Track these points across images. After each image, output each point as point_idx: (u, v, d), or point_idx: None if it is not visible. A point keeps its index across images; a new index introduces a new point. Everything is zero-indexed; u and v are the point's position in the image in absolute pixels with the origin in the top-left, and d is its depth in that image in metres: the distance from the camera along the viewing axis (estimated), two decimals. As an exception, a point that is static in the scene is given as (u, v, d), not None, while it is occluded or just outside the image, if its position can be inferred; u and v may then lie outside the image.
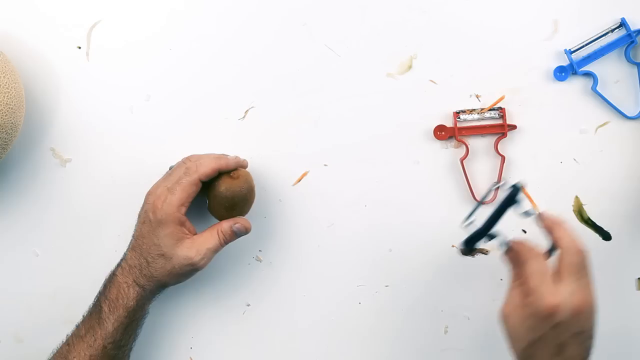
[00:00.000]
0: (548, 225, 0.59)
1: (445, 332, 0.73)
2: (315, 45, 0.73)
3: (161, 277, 0.65)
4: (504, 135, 0.72)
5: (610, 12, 0.70)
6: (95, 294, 0.74)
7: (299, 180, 0.74)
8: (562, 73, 0.71)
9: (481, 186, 0.73)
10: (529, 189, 0.72)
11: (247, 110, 0.74)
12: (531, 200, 0.72)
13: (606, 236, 0.72)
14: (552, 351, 0.55)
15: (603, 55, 0.70)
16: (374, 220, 0.73)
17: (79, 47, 0.75)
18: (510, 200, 0.61)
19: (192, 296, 0.74)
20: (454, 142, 0.73)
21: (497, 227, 0.61)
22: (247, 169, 0.69)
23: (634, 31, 0.70)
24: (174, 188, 0.64)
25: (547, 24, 0.72)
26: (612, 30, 0.70)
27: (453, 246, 0.73)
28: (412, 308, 0.73)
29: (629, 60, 0.70)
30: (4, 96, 0.66)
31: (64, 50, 0.74)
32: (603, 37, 0.70)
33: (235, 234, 0.66)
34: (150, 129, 0.74)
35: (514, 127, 0.72)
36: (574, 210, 0.72)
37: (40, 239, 0.75)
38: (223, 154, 0.69)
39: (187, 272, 0.65)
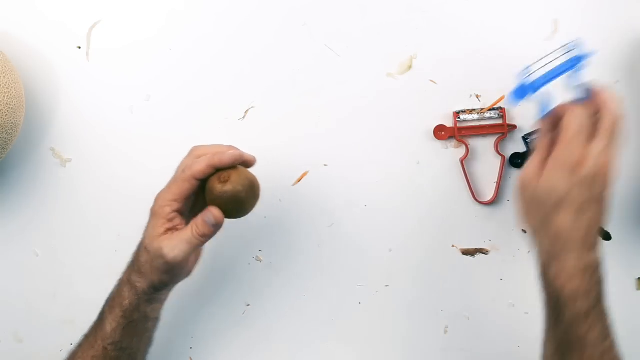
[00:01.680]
0: (595, 90, 0.58)
1: (445, 332, 0.73)
2: (315, 45, 0.73)
3: (147, 273, 0.61)
4: (504, 135, 0.72)
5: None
6: (95, 294, 0.74)
7: (299, 180, 0.74)
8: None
9: (481, 186, 0.73)
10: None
11: (247, 110, 0.74)
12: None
13: (606, 236, 0.72)
14: (573, 212, 0.54)
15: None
16: (374, 220, 0.73)
17: (79, 47, 0.75)
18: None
19: (192, 296, 0.74)
20: (454, 142, 0.73)
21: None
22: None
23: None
24: (170, 183, 0.63)
25: (547, 24, 0.72)
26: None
27: (453, 246, 0.73)
28: (412, 308, 0.73)
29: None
30: (4, 96, 0.66)
31: (64, 50, 0.75)
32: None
33: (208, 225, 0.60)
34: (150, 129, 0.74)
35: (514, 127, 0.72)
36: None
37: (40, 239, 0.75)
38: (229, 147, 0.64)
39: (163, 268, 0.61)
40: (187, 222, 0.61)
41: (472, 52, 0.72)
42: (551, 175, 0.55)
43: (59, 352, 0.76)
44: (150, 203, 0.75)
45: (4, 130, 0.67)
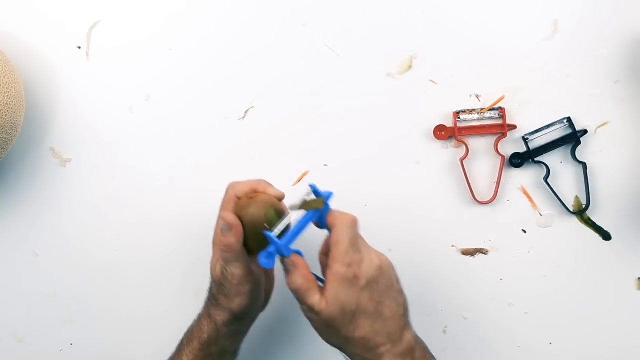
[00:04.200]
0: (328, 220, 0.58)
1: (445, 332, 0.73)
2: (315, 45, 0.73)
3: (222, 304, 0.61)
4: (504, 135, 0.72)
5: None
6: (95, 294, 0.75)
7: (299, 180, 0.74)
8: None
9: (481, 186, 0.73)
10: (529, 190, 0.72)
11: (247, 110, 0.74)
12: (531, 201, 0.72)
13: (606, 236, 0.72)
14: (370, 317, 0.55)
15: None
16: (374, 220, 0.73)
17: (79, 47, 0.75)
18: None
19: (193, 296, 0.74)
20: (454, 142, 0.73)
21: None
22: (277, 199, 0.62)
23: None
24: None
25: (547, 24, 0.72)
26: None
27: (453, 246, 0.73)
28: (412, 308, 0.73)
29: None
30: (4, 96, 0.66)
31: (64, 50, 0.75)
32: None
33: (223, 232, 0.59)
34: (150, 128, 0.74)
35: (514, 127, 0.72)
36: (574, 210, 0.72)
37: (40, 239, 0.75)
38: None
39: (225, 292, 0.60)
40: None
41: (472, 52, 0.72)
42: (335, 295, 0.54)
43: (59, 352, 0.76)
44: (150, 202, 0.75)
45: (4, 130, 0.67)
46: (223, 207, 0.60)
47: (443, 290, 0.73)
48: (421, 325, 0.73)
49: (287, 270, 0.56)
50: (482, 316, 0.73)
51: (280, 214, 0.59)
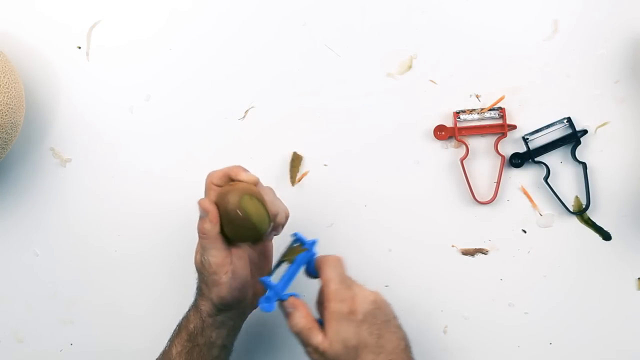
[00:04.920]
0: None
1: (445, 332, 0.73)
2: (315, 45, 0.73)
3: (205, 294, 0.61)
4: (504, 135, 0.72)
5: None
6: (95, 294, 0.74)
7: (299, 180, 0.74)
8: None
9: (481, 186, 0.73)
10: (529, 190, 0.72)
11: (247, 110, 0.74)
12: (531, 201, 0.72)
13: (606, 236, 0.72)
14: (372, 351, 0.56)
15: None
16: (374, 220, 0.73)
17: (79, 47, 0.75)
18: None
19: (192, 296, 0.74)
20: (454, 142, 0.73)
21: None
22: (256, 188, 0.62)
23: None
24: None
25: (547, 24, 0.72)
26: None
27: (453, 246, 0.73)
28: (412, 308, 0.73)
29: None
30: (4, 96, 0.66)
31: (64, 50, 0.75)
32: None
33: (200, 218, 0.60)
34: (150, 129, 0.74)
35: (514, 127, 0.72)
36: (574, 210, 0.72)
37: (40, 239, 0.75)
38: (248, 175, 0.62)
39: (207, 281, 0.60)
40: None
41: (472, 52, 0.72)
42: (335, 333, 0.55)
43: (59, 352, 0.76)
44: (150, 202, 0.75)
45: (4, 130, 0.67)
46: (206, 197, 0.62)
47: (443, 290, 0.73)
48: (421, 325, 0.73)
49: (287, 314, 0.58)
50: (482, 316, 0.73)
51: (256, 200, 0.59)
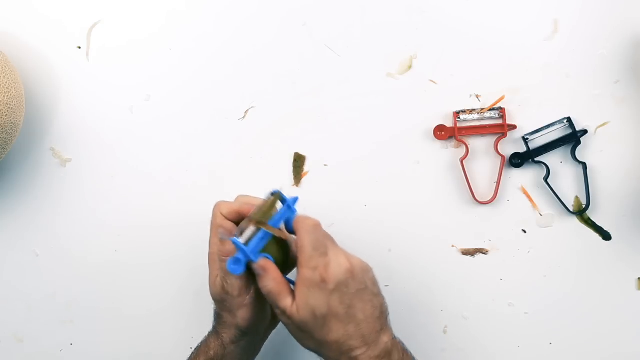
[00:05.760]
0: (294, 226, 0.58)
1: (445, 332, 0.73)
2: (315, 45, 0.73)
3: (225, 318, 0.61)
4: (504, 135, 0.72)
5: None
6: (96, 294, 0.74)
7: (299, 181, 0.74)
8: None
9: (481, 186, 0.73)
10: (529, 190, 0.72)
11: (247, 110, 0.74)
12: (531, 201, 0.72)
13: (606, 236, 0.72)
14: (342, 321, 0.55)
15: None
16: (374, 220, 0.73)
17: (79, 47, 0.75)
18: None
19: (193, 296, 0.74)
20: (454, 142, 0.73)
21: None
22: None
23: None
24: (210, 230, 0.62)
25: (547, 24, 0.72)
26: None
27: (453, 246, 0.73)
28: (412, 308, 0.73)
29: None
30: (4, 96, 0.66)
31: (64, 50, 0.75)
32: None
33: (222, 240, 0.60)
34: (150, 129, 0.74)
35: (514, 127, 0.72)
36: (574, 210, 0.72)
37: (40, 239, 0.75)
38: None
39: (227, 308, 0.60)
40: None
41: (472, 52, 0.72)
42: (304, 300, 0.54)
43: (59, 352, 0.76)
44: (150, 202, 0.75)
45: (4, 130, 0.67)
46: (212, 226, 0.60)
47: (443, 290, 0.73)
48: (421, 325, 0.73)
49: (257, 275, 0.56)
50: (482, 316, 0.73)
51: (278, 242, 0.58)
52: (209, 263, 0.61)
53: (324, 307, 0.54)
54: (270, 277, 0.56)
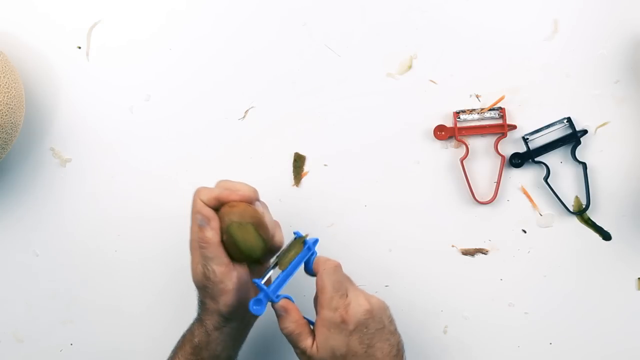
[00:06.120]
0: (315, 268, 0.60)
1: (445, 332, 0.73)
2: (315, 45, 0.73)
3: (208, 304, 0.60)
4: (504, 135, 0.72)
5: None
6: (95, 294, 0.74)
7: (299, 181, 0.74)
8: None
9: (481, 186, 0.73)
10: (529, 190, 0.72)
11: (247, 110, 0.74)
12: (531, 201, 0.72)
13: (606, 236, 0.72)
14: (363, 357, 0.56)
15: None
16: (374, 220, 0.73)
17: (79, 47, 0.75)
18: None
19: (193, 296, 0.74)
20: (454, 142, 0.73)
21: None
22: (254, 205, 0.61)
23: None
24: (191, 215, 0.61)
25: (547, 24, 0.72)
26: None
27: (453, 246, 0.73)
28: (412, 308, 0.73)
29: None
30: (4, 96, 0.66)
31: (64, 50, 0.75)
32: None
33: (200, 227, 0.59)
34: (150, 129, 0.74)
35: (514, 127, 0.72)
36: (574, 210, 0.72)
37: (40, 239, 0.75)
38: (245, 186, 0.61)
39: (209, 294, 0.59)
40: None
41: (472, 52, 0.72)
42: (324, 340, 0.56)
43: (59, 352, 0.76)
44: (150, 202, 0.75)
45: (4, 130, 0.67)
46: (192, 212, 0.60)
47: (443, 290, 0.73)
48: (421, 325, 0.73)
49: (278, 316, 0.58)
50: (482, 316, 0.73)
51: (249, 227, 0.58)
52: (190, 250, 0.61)
53: (343, 347, 0.56)
54: (292, 319, 0.57)
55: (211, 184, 0.74)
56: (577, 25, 0.72)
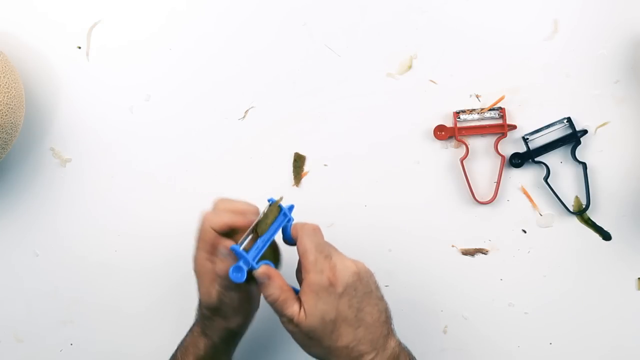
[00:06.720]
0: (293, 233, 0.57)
1: (445, 332, 0.73)
2: (315, 45, 0.73)
3: (217, 322, 0.60)
4: (504, 135, 0.72)
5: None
6: (95, 294, 0.74)
7: (299, 181, 0.74)
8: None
9: (481, 186, 0.73)
10: (529, 190, 0.72)
11: (247, 110, 0.74)
12: (531, 201, 0.72)
13: (606, 236, 0.72)
14: (351, 325, 0.54)
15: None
16: (374, 220, 0.73)
17: (79, 47, 0.75)
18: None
19: (193, 296, 0.74)
20: (454, 142, 0.73)
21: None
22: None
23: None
24: (196, 240, 0.59)
25: (547, 24, 0.72)
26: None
27: (453, 246, 0.73)
28: (412, 308, 0.73)
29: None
30: (4, 96, 0.66)
31: (64, 50, 0.75)
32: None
33: (222, 258, 0.57)
34: (150, 129, 0.74)
35: (514, 127, 0.72)
36: (574, 210, 0.72)
37: (40, 239, 0.75)
38: (250, 207, 0.59)
39: (221, 315, 0.59)
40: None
41: (472, 52, 0.72)
42: (313, 305, 0.53)
43: (59, 352, 0.76)
44: (150, 202, 0.75)
45: (4, 130, 0.67)
46: (201, 239, 0.58)
47: (443, 290, 0.73)
48: (421, 325, 0.73)
49: (261, 284, 0.55)
50: (482, 316, 0.73)
51: (274, 247, 0.59)
52: (196, 273, 0.59)
53: (332, 311, 0.53)
54: (276, 285, 0.55)
55: (211, 184, 0.74)
56: (577, 25, 0.72)
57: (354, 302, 0.54)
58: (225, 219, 0.57)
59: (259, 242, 0.56)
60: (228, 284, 0.57)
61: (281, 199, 0.58)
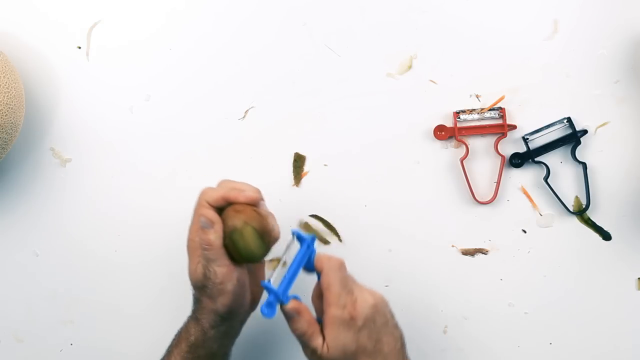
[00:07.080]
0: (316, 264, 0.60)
1: (445, 332, 0.73)
2: (315, 45, 0.73)
3: (205, 303, 0.60)
4: (504, 135, 0.72)
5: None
6: (96, 294, 0.74)
7: (299, 181, 0.74)
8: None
9: (481, 186, 0.73)
10: (529, 190, 0.72)
11: (247, 110, 0.74)
12: (531, 201, 0.72)
13: (606, 236, 0.72)
14: (372, 352, 0.57)
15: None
16: (373, 220, 0.73)
17: (79, 47, 0.75)
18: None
19: (191, 296, 0.74)
20: (454, 142, 0.73)
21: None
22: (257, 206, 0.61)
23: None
24: (193, 215, 0.61)
25: (547, 24, 0.72)
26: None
27: (453, 246, 0.73)
28: (412, 308, 0.73)
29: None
30: (4, 96, 0.66)
31: (64, 50, 0.75)
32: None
33: (203, 229, 0.58)
34: (150, 129, 0.74)
35: (514, 127, 0.72)
36: (574, 210, 0.72)
37: (40, 239, 0.75)
38: (250, 187, 0.60)
39: (208, 294, 0.59)
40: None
41: (472, 52, 0.72)
42: (335, 338, 0.56)
43: (59, 352, 0.76)
44: (150, 202, 0.75)
45: (4, 130, 0.67)
46: (195, 213, 0.60)
47: (443, 290, 0.73)
48: (421, 325, 0.73)
49: (289, 318, 0.58)
50: (482, 316, 0.73)
51: (251, 231, 0.58)
52: (188, 250, 0.60)
53: (353, 344, 0.56)
54: (304, 320, 0.57)
55: (211, 184, 0.74)
56: (577, 25, 0.72)
57: (373, 334, 0.57)
58: (221, 192, 0.59)
59: (287, 276, 0.59)
60: (209, 255, 0.58)
61: (298, 230, 0.61)
